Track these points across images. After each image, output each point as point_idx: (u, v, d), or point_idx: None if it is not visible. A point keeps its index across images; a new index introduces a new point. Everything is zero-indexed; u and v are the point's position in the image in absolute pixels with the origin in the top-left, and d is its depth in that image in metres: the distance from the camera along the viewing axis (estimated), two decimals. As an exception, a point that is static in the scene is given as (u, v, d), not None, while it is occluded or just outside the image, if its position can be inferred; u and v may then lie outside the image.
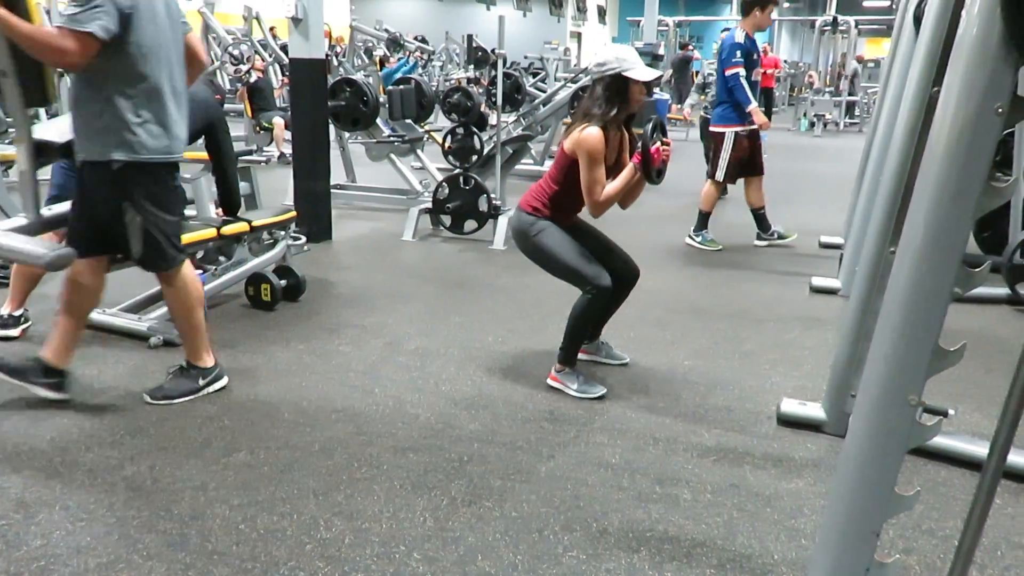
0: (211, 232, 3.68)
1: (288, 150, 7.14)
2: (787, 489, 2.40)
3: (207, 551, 2.01)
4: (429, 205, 5.68)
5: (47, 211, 2.84)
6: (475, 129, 6.14)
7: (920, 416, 1.52)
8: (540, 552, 2.05)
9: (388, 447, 2.58)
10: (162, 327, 3.39)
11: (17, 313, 3.46)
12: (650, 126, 2.87)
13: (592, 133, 2.86)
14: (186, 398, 2.86)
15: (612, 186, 2.95)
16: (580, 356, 3.20)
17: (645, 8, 16.41)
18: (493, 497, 2.30)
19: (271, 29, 12.66)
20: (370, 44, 15.90)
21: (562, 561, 2.01)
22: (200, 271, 3.75)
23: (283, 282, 4.00)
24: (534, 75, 13.71)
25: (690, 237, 5.60)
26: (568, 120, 7.91)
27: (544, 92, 9.25)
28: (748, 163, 5.38)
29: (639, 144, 2.89)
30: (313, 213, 5.41)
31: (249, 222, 3.90)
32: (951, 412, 1.62)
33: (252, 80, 9.53)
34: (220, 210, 4.02)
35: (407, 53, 14.51)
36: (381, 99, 6.76)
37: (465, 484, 2.36)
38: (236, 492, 2.28)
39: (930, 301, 1.45)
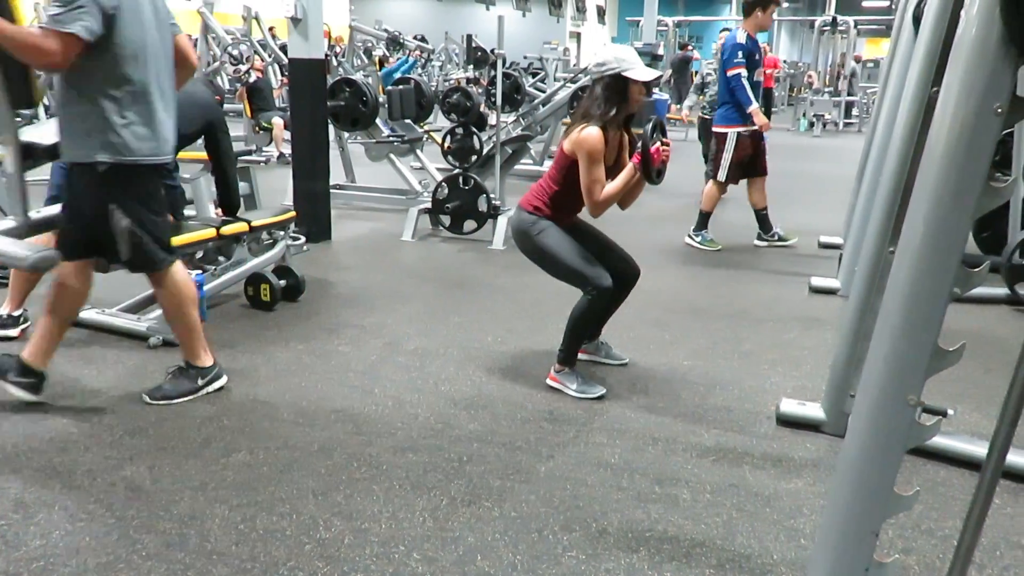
0: (210, 232, 3.68)
1: (287, 150, 7.15)
2: (786, 489, 2.40)
3: (206, 551, 2.01)
4: (428, 205, 5.68)
5: (35, 213, 2.82)
6: (474, 129, 6.15)
7: (919, 416, 1.52)
8: (539, 552, 2.05)
9: (387, 447, 2.58)
10: (161, 327, 3.38)
11: (16, 313, 3.46)
12: (650, 126, 2.87)
13: (592, 133, 2.87)
14: (185, 398, 2.86)
15: (612, 186, 2.95)
16: (580, 356, 3.20)
17: (644, 8, 16.41)
18: (492, 497, 2.30)
19: (270, 29, 12.66)
20: (369, 44, 15.89)
21: (561, 561, 2.01)
22: (199, 271, 3.75)
23: (282, 282, 4.00)
24: (533, 75, 13.71)
25: (690, 237, 5.60)
26: (567, 120, 7.92)
27: (543, 92, 9.25)
28: (751, 164, 5.38)
29: (639, 144, 2.89)
30: (312, 213, 5.40)
31: (248, 222, 3.90)
32: (950, 412, 1.62)
33: (251, 80, 9.53)
34: (219, 210, 4.03)
35: (407, 52, 14.50)
36: (380, 99, 6.76)
37: (464, 484, 2.36)
38: (235, 492, 2.28)
39: (929, 301, 1.45)
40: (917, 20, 3.20)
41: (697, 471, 2.49)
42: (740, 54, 5.17)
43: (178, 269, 2.84)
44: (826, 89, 15.67)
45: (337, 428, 2.70)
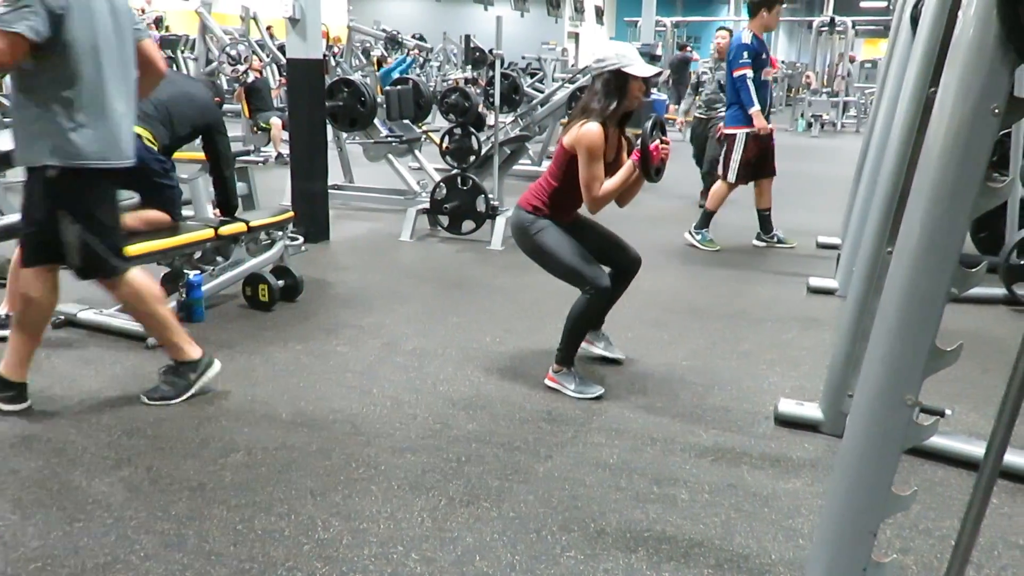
0: (208, 232, 3.68)
1: (285, 150, 7.14)
2: (784, 489, 2.40)
3: (205, 552, 2.01)
4: (427, 205, 5.68)
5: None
6: (473, 129, 6.15)
7: (917, 416, 1.52)
8: (538, 552, 2.05)
9: (386, 447, 2.58)
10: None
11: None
12: (649, 124, 2.87)
13: (592, 129, 2.87)
14: (184, 396, 2.85)
15: (611, 183, 2.95)
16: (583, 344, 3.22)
17: (643, 8, 16.42)
18: (491, 497, 2.30)
19: (268, 28, 12.65)
20: (368, 44, 15.89)
21: (560, 561, 2.01)
22: (197, 271, 3.75)
23: (281, 282, 3.99)
24: (532, 75, 13.73)
25: (690, 233, 5.59)
26: (566, 120, 7.92)
27: (542, 92, 9.26)
28: (760, 164, 5.37)
29: (638, 142, 2.90)
30: (311, 213, 5.40)
31: (247, 222, 3.90)
32: (948, 412, 1.63)
33: (249, 80, 9.51)
34: (217, 210, 4.02)
35: (405, 51, 14.49)
36: (379, 99, 6.76)
37: (463, 484, 2.36)
38: (234, 493, 2.28)
39: (927, 301, 1.45)
40: (915, 21, 3.21)
41: (695, 471, 2.49)
42: (745, 54, 5.17)
43: (133, 274, 2.75)
44: (824, 90, 15.69)
45: (335, 428, 2.70)
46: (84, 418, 2.72)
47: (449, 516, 2.20)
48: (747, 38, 5.21)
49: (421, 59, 15.14)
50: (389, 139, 6.68)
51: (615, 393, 3.06)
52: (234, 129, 7.76)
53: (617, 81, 2.91)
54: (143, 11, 16.09)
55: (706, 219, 5.54)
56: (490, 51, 6.50)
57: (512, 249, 3.68)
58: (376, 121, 6.55)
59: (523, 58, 16.57)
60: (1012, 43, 1.31)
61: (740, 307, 4.23)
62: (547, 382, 3.08)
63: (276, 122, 9.01)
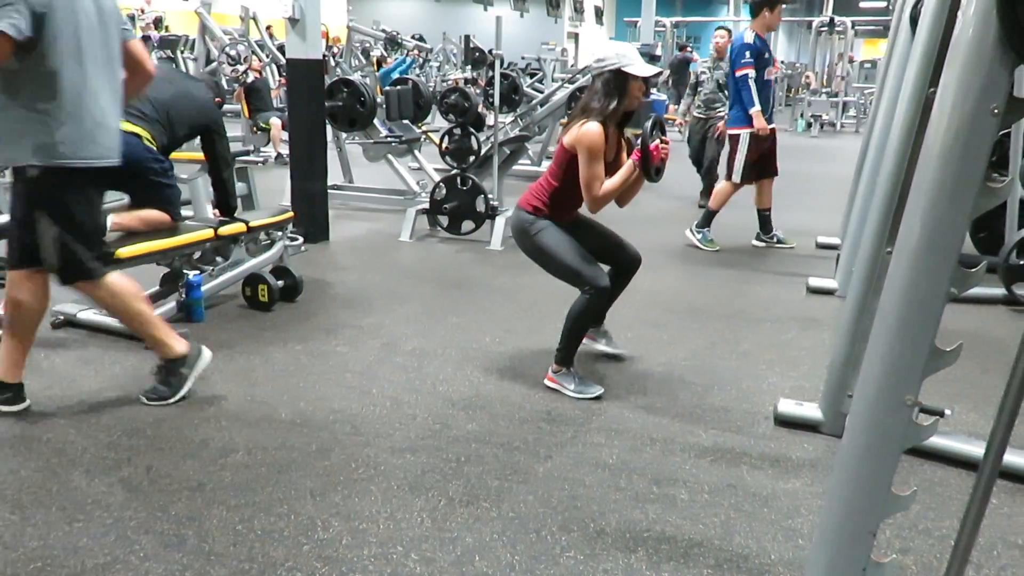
0: (208, 233, 3.68)
1: (285, 151, 7.14)
2: (784, 489, 2.40)
3: (204, 552, 2.01)
4: (426, 206, 5.68)
5: None
6: (472, 130, 6.15)
7: (916, 416, 1.52)
8: (537, 552, 2.05)
9: (385, 448, 2.58)
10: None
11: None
12: (649, 124, 2.88)
13: (592, 128, 2.87)
14: (181, 392, 2.84)
15: (611, 182, 2.96)
16: (585, 340, 3.24)
17: (642, 9, 16.43)
18: (490, 498, 2.30)
19: (267, 28, 12.65)
20: (367, 44, 15.89)
21: (559, 561, 2.01)
22: (197, 271, 3.75)
23: (280, 283, 3.99)
24: (531, 76, 13.73)
25: (691, 231, 5.59)
26: (565, 120, 7.92)
27: (541, 93, 9.26)
28: (763, 165, 5.38)
29: (638, 141, 2.90)
30: (310, 214, 5.40)
31: (246, 223, 3.89)
32: (948, 412, 1.62)
33: (249, 80, 9.51)
34: (217, 211, 4.02)
35: (405, 52, 14.49)
36: (378, 99, 6.76)
37: (462, 485, 2.36)
38: (233, 493, 2.28)
39: (926, 301, 1.45)
40: (914, 21, 3.21)
41: (695, 471, 2.49)
42: (748, 54, 5.17)
43: (111, 276, 2.71)
44: (824, 90, 15.69)
45: (335, 429, 2.70)
46: (84, 418, 2.72)
47: (449, 516, 2.20)
48: (750, 38, 5.21)
49: (421, 60, 15.14)
50: (389, 139, 6.68)
51: (614, 393, 3.06)
52: (234, 129, 7.76)
53: (617, 81, 2.92)
54: (143, 11, 16.11)
55: (708, 218, 5.54)
56: (490, 51, 6.50)
57: (511, 249, 3.68)
58: (376, 121, 6.55)
59: (523, 58, 16.58)
60: (1011, 43, 1.31)
61: (739, 307, 4.23)
62: (546, 382, 3.08)
63: (276, 122, 9.00)
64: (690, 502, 2.31)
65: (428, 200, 5.69)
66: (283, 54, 7.74)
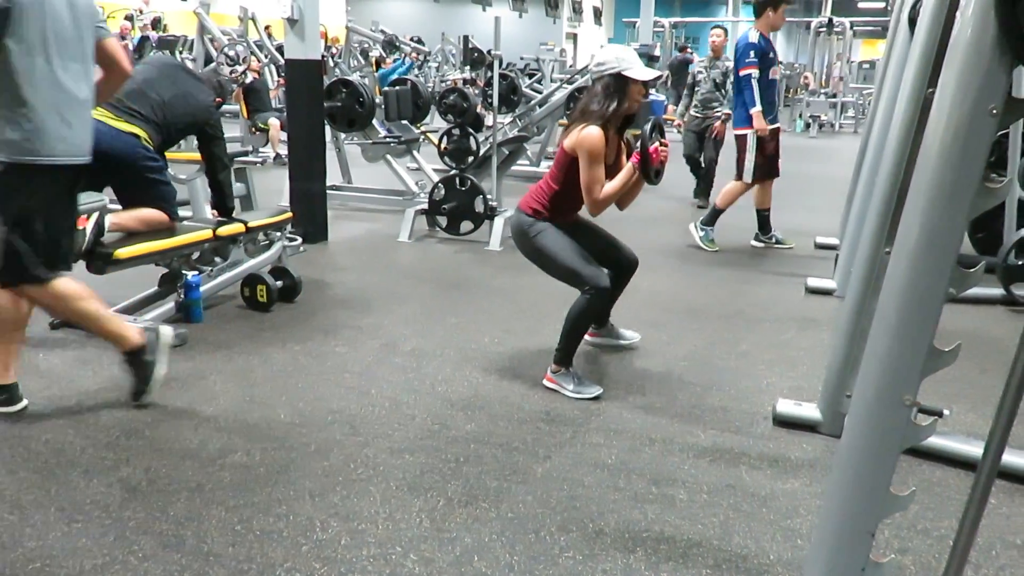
0: (207, 233, 3.68)
1: (284, 151, 7.13)
2: (783, 489, 2.40)
3: (203, 552, 2.00)
4: (425, 206, 5.68)
5: None
6: (471, 130, 6.14)
7: (915, 416, 1.52)
8: (536, 553, 2.05)
9: (384, 448, 2.58)
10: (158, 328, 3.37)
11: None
12: (648, 126, 2.89)
13: (592, 132, 2.88)
14: (155, 378, 2.77)
15: (611, 185, 2.97)
16: (592, 340, 3.36)
17: (641, 9, 16.44)
18: (489, 498, 2.30)
19: (266, 29, 12.64)
20: (366, 45, 15.89)
21: (558, 562, 2.01)
22: (196, 272, 3.75)
23: (279, 283, 3.99)
24: (530, 76, 13.73)
25: (695, 227, 5.58)
26: (564, 121, 7.92)
27: (540, 93, 9.26)
28: (768, 165, 5.37)
29: (637, 144, 2.91)
30: (309, 214, 5.40)
31: (245, 223, 3.89)
32: (946, 412, 1.62)
33: (248, 81, 9.51)
34: (215, 211, 4.01)
35: (403, 55, 14.49)
36: (377, 100, 6.76)
37: (461, 485, 2.36)
38: (232, 493, 2.28)
39: (925, 301, 1.45)
40: (913, 21, 3.21)
41: (694, 471, 2.49)
42: (752, 54, 5.17)
43: (55, 282, 2.61)
44: (822, 90, 15.71)
45: (334, 429, 2.70)
46: (82, 419, 2.71)
47: (447, 517, 2.20)
48: (754, 37, 5.21)
49: (419, 61, 15.14)
50: (387, 140, 6.67)
51: (613, 393, 3.06)
52: (232, 129, 7.75)
53: (617, 84, 2.93)
54: (141, 11, 16.10)
55: (713, 216, 5.52)
56: (488, 52, 6.51)
57: (510, 250, 3.69)
58: (374, 122, 6.55)
59: (521, 59, 16.58)
60: (1009, 44, 1.32)
61: (738, 307, 4.23)
62: (545, 382, 3.08)
63: (274, 123, 9.00)
64: (689, 502, 2.31)
65: (427, 200, 5.69)
66: (282, 54, 7.74)
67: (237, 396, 2.94)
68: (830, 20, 15.69)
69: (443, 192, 5.56)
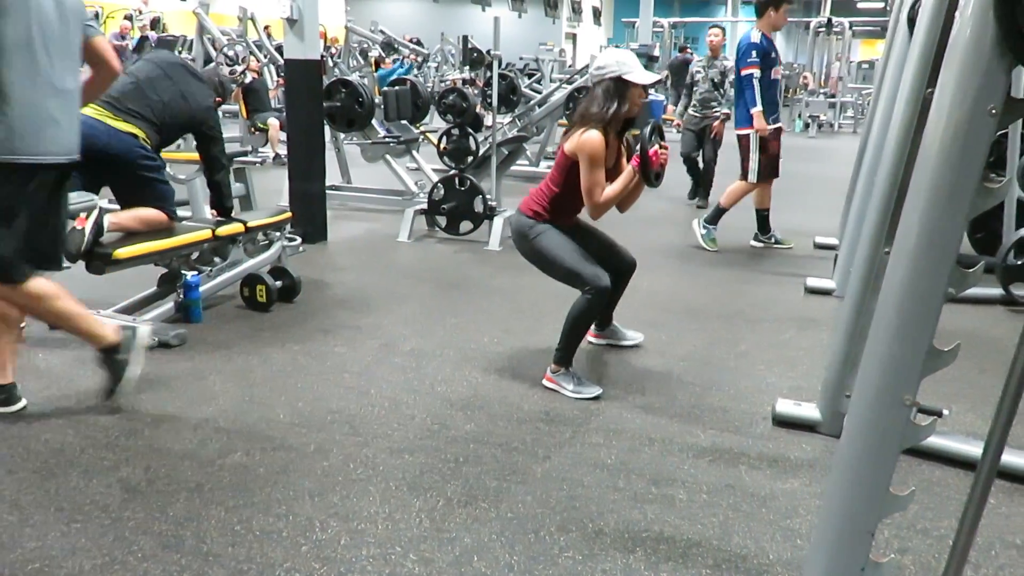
0: (206, 233, 3.68)
1: (283, 151, 7.13)
2: (782, 489, 2.40)
3: (202, 553, 2.00)
4: (424, 206, 5.68)
5: None
6: (470, 130, 6.14)
7: (915, 416, 1.52)
8: (536, 553, 2.05)
9: (384, 448, 2.58)
10: (158, 328, 3.37)
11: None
12: (648, 129, 2.90)
13: (593, 136, 2.89)
14: (128, 375, 2.75)
15: (611, 188, 2.97)
16: (595, 341, 3.40)
17: (640, 9, 16.44)
18: (489, 498, 2.30)
19: (266, 29, 12.64)
20: (365, 45, 15.89)
21: (558, 562, 2.01)
22: (195, 272, 3.75)
23: (278, 283, 3.99)
24: (529, 76, 13.72)
25: (698, 224, 5.58)
26: (563, 121, 7.93)
27: (539, 93, 9.26)
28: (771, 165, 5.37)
29: (637, 147, 2.92)
30: (308, 214, 5.40)
31: (244, 223, 3.89)
32: (946, 412, 1.62)
33: (247, 81, 9.50)
34: (215, 211, 4.01)
35: (402, 57, 14.50)
36: (376, 100, 6.76)
37: (461, 485, 2.36)
38: (231, 493, 2.28)
39: (924, 301, 1.45)
40: (912, 22, 3.21)
41: (693, 471, 2.49)
42: (754, 53, 5.16)
43: (28, 282, 2.58)
44: (821, 90, 15.72)
45: (333, 429, 2.70)
46: (81, 419, 2.71)
47: (447, 517, 2.20)
48: (756, 37, 5.20)
49: (419, 62, 15.14)
50: (387, 140, 6.68)
51: (613, 393, 3.06)
52: (232, 130, 7.76)
53: (617, 88, 2.93)
54: (140, 11, 16.10)
55: (717, 215, 5.52)
56: (488, 52, 6.51)
57: (510, 250, 3.69)
58: (374, 122, 6.55)
59: (521, 59, 16.57)
60: (1009, 44, 1.32)
61: (738, 307, 4.24)
62: (545, 382, 3.08)
63: (274, 123, 9.00)
64: (688, 502, 2.31)
65: (426, 200, 5.69)
66: (281, 54, 7.74)
67: (236, 396, 2.94)
68: (829, 20, 15.71)
69: (442, 192, 5.57)
